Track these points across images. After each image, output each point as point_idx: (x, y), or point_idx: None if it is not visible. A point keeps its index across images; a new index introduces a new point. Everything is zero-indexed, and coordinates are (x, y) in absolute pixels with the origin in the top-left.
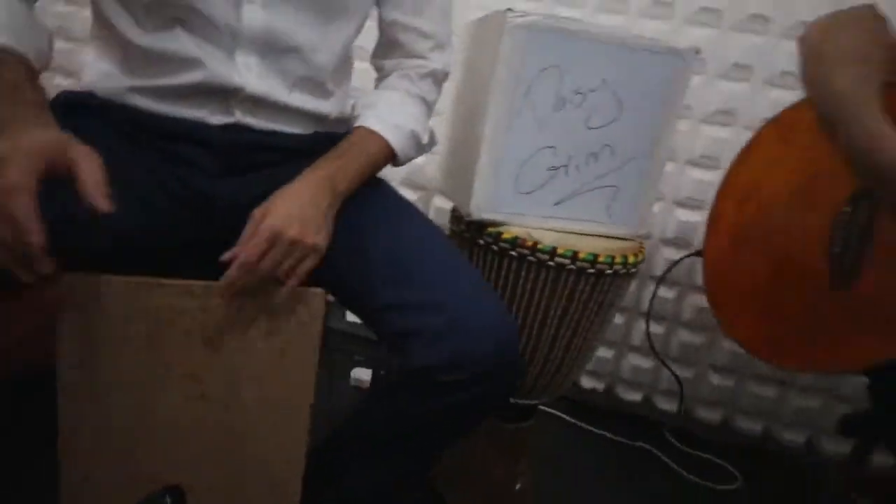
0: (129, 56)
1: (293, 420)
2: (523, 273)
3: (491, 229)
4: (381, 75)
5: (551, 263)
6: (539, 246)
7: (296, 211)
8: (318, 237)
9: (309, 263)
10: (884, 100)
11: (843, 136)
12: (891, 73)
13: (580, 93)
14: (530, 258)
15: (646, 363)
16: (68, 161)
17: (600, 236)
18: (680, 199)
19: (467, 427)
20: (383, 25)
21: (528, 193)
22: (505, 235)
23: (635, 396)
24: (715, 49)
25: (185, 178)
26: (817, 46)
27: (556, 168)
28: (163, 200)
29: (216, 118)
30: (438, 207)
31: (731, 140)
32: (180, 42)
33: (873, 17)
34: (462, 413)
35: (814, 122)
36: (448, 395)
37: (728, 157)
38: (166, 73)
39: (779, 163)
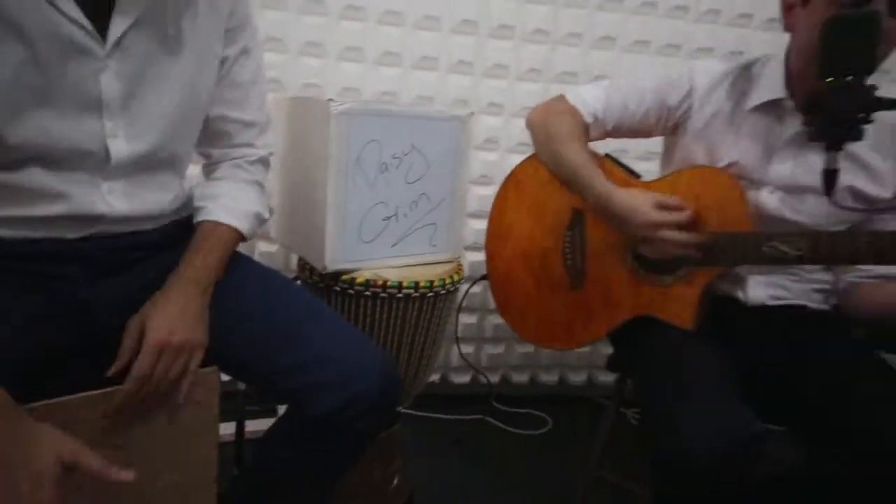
0: None
1: (203, 491)
2: (378, 307)
3: (345, 277)
4: (211, 163)
5: (400, 295)
6: (388, 283)
7: (175, 316)
8: (199, 333)
9: (197, 359)
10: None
11: (584, 193)
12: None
13: (397, 157)
14: (382, 295)
15: (467, 348)
16: (70, 459)
17: (429, 264)
18: (471, 212)
19: (365, 448)
20: (209, 120)
21: (370, 242)
22: (358, 280)
23: (464, 378)
24: (473, 91)
25: (54, 292)
26: (545, 128)
27: (388, 218)
28: (35, 321)
29: (76, 233)
30: (263, 252)
31: (499, 161)
32: (39, 178)
33: (571, 105)
34: (361, 440)
35: (536, 176)
36: (348, 431)
37: (498, 175)
38: (22, 205)
39: (519, 207)
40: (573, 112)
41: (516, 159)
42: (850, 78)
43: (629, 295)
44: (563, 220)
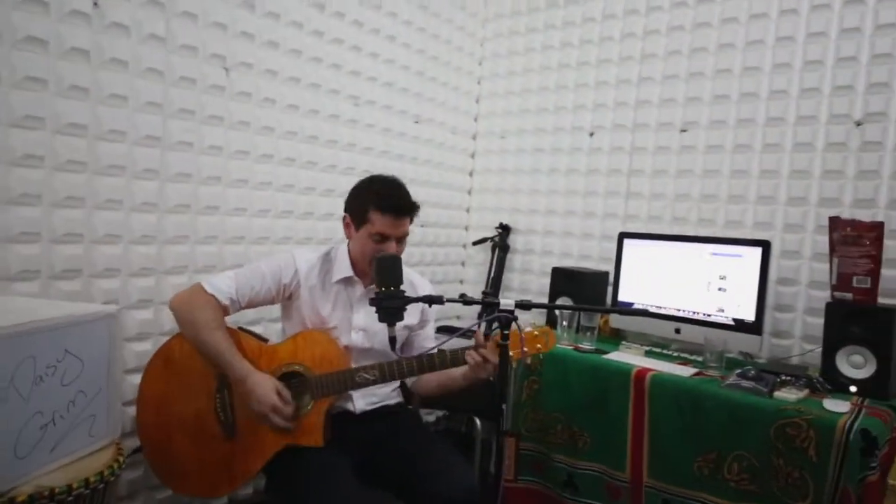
0: None
1: None
2: None
3: (2, 499)
4: None
5: (71, 498)
6: (56, 491)
7: None
8: None
9: None
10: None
11: (226, 369)
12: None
13: (52, 366)
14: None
15: None
16: None
17: (90, 454)
18: None
19: None
20: None
21: (25, 457)
22: (20, 499)
23: None
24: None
25: None
26: (191, 317)
27: (45, 425)
28: None
29: None
30: None
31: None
32: None
33: (210, 295)
34: None
35: (181, 350)
36: None
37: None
38: None
39: (170, 378)
40: (212, 302)
41: None
42: (392, 288)
43: (273, 433)
44: (212, 384)
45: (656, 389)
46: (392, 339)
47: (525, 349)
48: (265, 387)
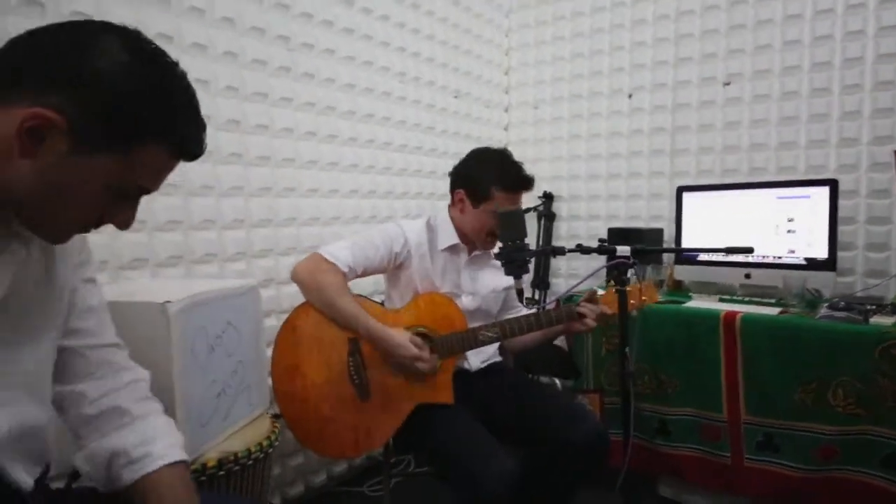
0: None
1: None
2: (230, 481)
3: (193, 467)
4: (91, 399)
5: (251, 462)
6: (239, 455)
7: None
8: None
9: None
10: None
11: (362, 332)
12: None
13: (219, 336)
14: (235, 468)
15: None
16: None
17: (252, 422)
18: None
19: None
20: (71, 355)
21: (205, 425)
22: (210, 463)
23: None
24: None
25: None
26: (316, 283)
27: (218, 395)
28: None
29: None
30: None
31: None
32: None
33: (330, 262)
34: None
35: (308, 319)
36: None
37: None
38: None
39: (299, 347)
40: (333, 268)
41: None
42: (518, 242)
43: (406, 393)
44: (343, 349)
45: (749, 329)
46: (520, 292)
47: (644, 298)
48: (403, 339)
